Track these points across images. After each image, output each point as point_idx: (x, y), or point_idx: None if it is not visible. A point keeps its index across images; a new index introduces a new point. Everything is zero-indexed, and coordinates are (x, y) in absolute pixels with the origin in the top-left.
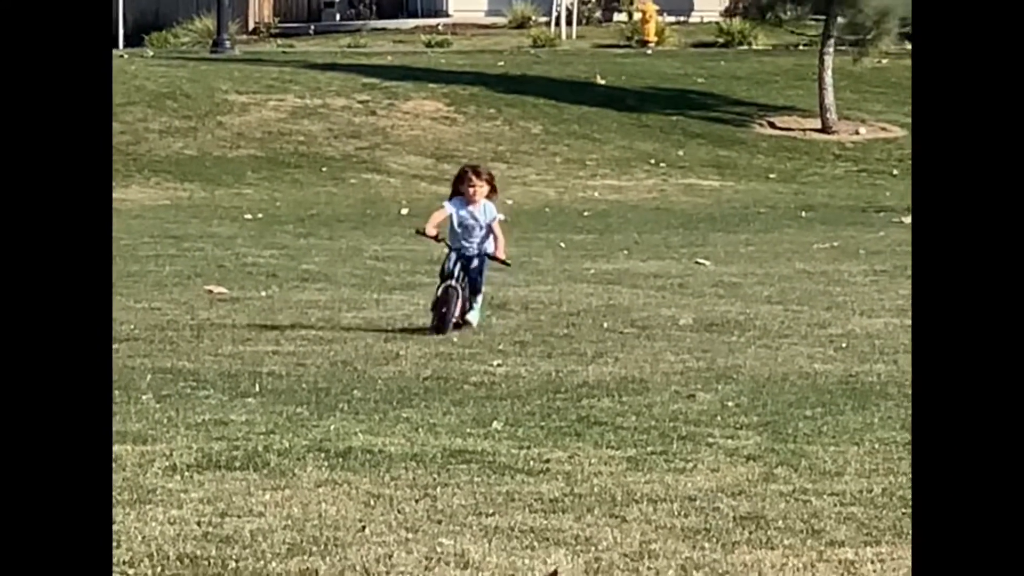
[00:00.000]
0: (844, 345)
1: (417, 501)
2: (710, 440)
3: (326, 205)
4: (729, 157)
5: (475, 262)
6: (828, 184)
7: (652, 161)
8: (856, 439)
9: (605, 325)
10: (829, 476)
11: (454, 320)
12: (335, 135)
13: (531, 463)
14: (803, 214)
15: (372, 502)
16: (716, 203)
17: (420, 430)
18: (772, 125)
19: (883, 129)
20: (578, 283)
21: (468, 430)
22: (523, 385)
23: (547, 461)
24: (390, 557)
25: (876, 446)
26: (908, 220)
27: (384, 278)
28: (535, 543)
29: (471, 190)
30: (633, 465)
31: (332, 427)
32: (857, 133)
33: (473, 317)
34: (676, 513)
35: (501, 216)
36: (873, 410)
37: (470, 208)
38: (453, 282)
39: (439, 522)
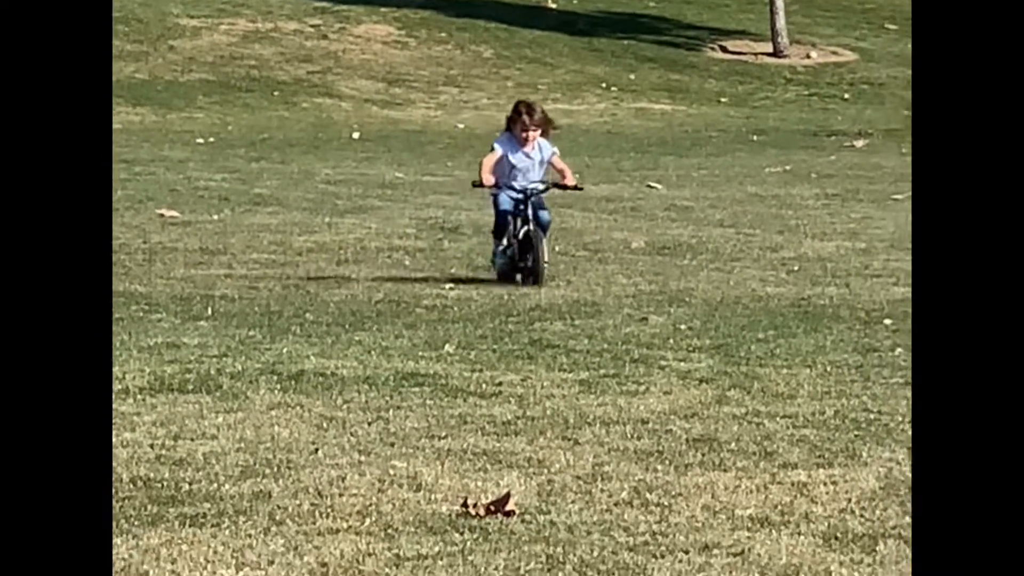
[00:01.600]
0: (796, 268)
1: (370, 424)
2: (662, 363)
3: (278, 129)
4: (681, 81)
5: (535, 198)
6: (779, 108)
7: (603, 85)
8: (808, 362)
9: (557, 248)
10: (781, 399)
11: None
12: (286, 59)
13: (483, 386)
14: (755, 138)
15: (325, 425)
16: (668, 127)
17: (372, 353)
18: (724, 49)
19: (834, 53)
20: None
21: (420, 353)
22: (475, 308)
23: (499, 384)
24: (343, 479)
25: (828, 369)
26: (859, 144)
27: (336, 202)
28: (487, 466)
29: (524, 135)
30: (585, 388)
31: (284, 350)
32: (808, 57)
33: (546, 252)
34: (628, 435)
35: (557, 150)
36: (825, 333)
37: (524, 150)
38: (531, 226)
39: (392, 445)
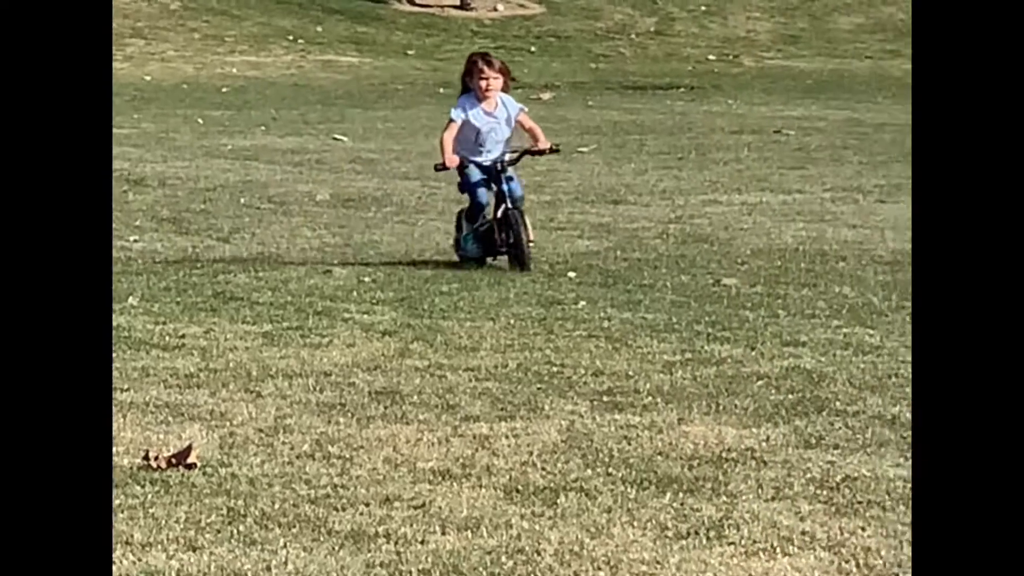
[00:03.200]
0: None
1: None
2: (346, 315)
3: None
4: (368, 34)
5: (509, 170)
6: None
7: (290, 38)
8: (491, 315)
9: (242, 201)
10: (464, 351)
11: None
12: None
13: (167, 338)
14: (441, 90)
15: None
16: (355, 79)
17: None
18: (411, 2)
19: (521, 6)
20: (215, 159)
21: None
22: (159, 261)
23: (183, 336)
24: None
25: (511, 322)
26: (546, 96)
27: None
28: (170, 418)
29: (483, 83)
30: (269, 340)
31: None
32: (495, 10)
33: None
34: (311, 388)
35: (525, 108)
36: (509, 286)
37: (484, 108)
38: (508, 202)
39: None
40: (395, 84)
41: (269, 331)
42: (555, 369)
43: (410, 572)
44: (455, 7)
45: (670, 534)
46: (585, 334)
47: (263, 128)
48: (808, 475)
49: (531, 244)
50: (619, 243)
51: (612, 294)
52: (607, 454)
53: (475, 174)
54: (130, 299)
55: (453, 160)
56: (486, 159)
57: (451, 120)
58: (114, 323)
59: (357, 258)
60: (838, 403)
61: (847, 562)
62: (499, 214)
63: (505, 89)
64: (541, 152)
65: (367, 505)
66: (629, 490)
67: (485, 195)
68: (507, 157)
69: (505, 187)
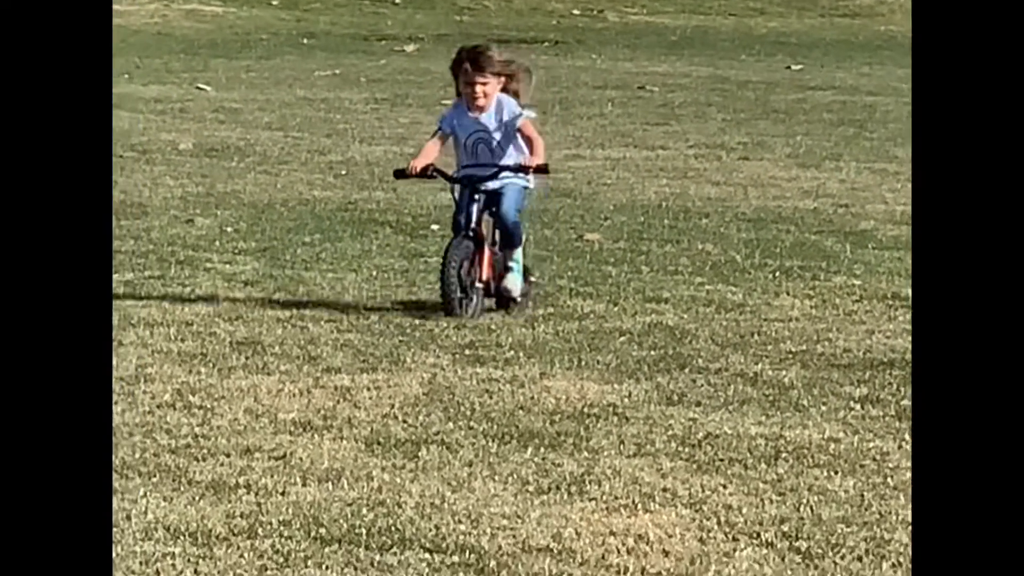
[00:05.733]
0: (344, 172)
1: None
2: (208, 265)
3: None
4: None
5: (503, 191)
6: (330, 11)
7: None
8: (354, 266)
9: None
10: (326, 303)
11: (480, 287)
12: None
13: None
14: (305, 41)
15: None
16: (218, 29)
17: None
18: None
19: None
20: None
21: None
22: None
23: None
24: None
25: (374, 273)
26: (409, 49)
27: None
28: None
29: (470, 90)
30: (131, 290)
31: None
32: None
33: (514, 282)
34: (172, 337)
35: (530, 113)
36: (372, 237)
37: (474, 116)
38: (469, 231)
39: None
40: (259, 34)
41: (131, 280)
42: (417, 322)
43: (270, 523)
44: None
45: (531, 488)
46: None
47: (126, 76)
48: (670, 432)
49: (516, 291)
50: None
51: None
52: (469, 407)
53: (464, 194)
54: None
55: (417, 164)
56: (478, 173)
57: (438, 129)
58: None
59: (219, 208)
60: (700, 360)
61: (708, 519)
62: (451, 245)
63: (509, 89)
64: (523, 169)
65: (228, 456)
66: (491, 444)
67: (464, 209)
68: (481, 172)
69: (480, 213)
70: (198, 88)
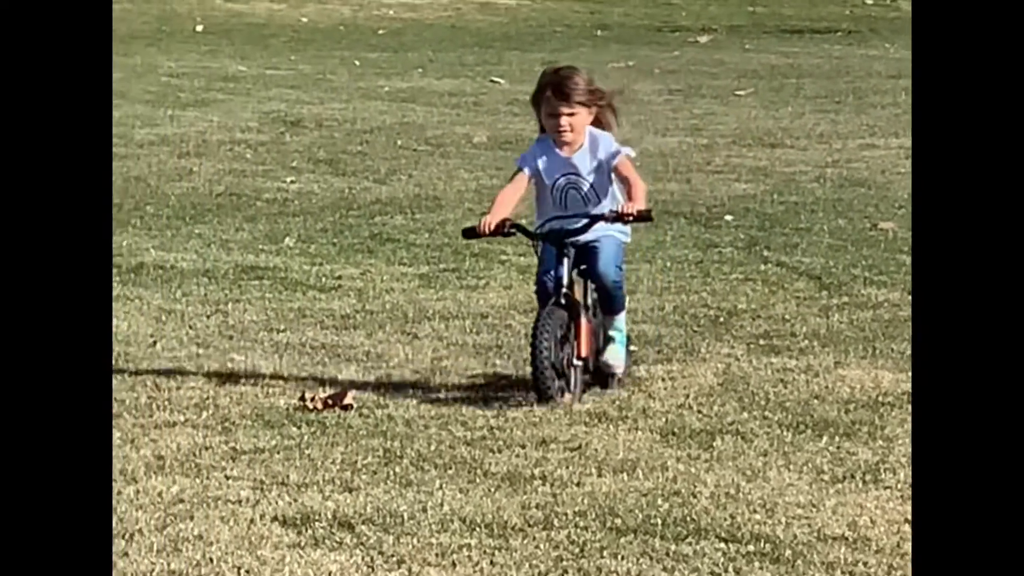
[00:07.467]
0: (638, 164)
1: (208, 317)
2: (503, 258)
3: (121, 22)
4: None
5: (597, 245)
6: (624, 3)
7: None
8: (648, 257)
9: (399, 143)
10: None
11: (579, 365)
12: None
13: (323, 280)
14: (599, 33)
15: (163, 317)
16: (512, 21)
17: (212, 246)
18: None
19: None
20: (372, 101)
21: (260, 246)
22: (316, 202)
23: (339, 278)
24: (181, 373)
25: (668, 264)
26: (703, 39)
27: (179, 95)
28: (326, 359)
29: (554, 123)
30: (425, 282)
31: (124, 243)
32: None
33: (617, 355)
34: (468, 330)
35: (629, 151)
36: (665, 228)
37: (560, 153)
38: (561, 298)
39: (230, 338)
40: (553, 26)
41: (425, 273)
42: (712, 312)
43: (565, 514)
44: None
45: (826, 477)
46: (742, 277)
47: (420, 70)
48: None
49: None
50: (776, 186)
51: (769, 237)
52: (763, 397)
53: (549, 251)
54: (287, 240)
55: (493, 219)
56: (567, 225)
57: (519, 170)
58: (270, 264)
59: None
60: None
61: None
62: (541, 315)
63: (603, 121)
64: (621, 219)
65: (523, 447)
66: (785, 433)
67: (550, 272)
68: (573, 224)
69: (571, 274)
70: (492, 81)
